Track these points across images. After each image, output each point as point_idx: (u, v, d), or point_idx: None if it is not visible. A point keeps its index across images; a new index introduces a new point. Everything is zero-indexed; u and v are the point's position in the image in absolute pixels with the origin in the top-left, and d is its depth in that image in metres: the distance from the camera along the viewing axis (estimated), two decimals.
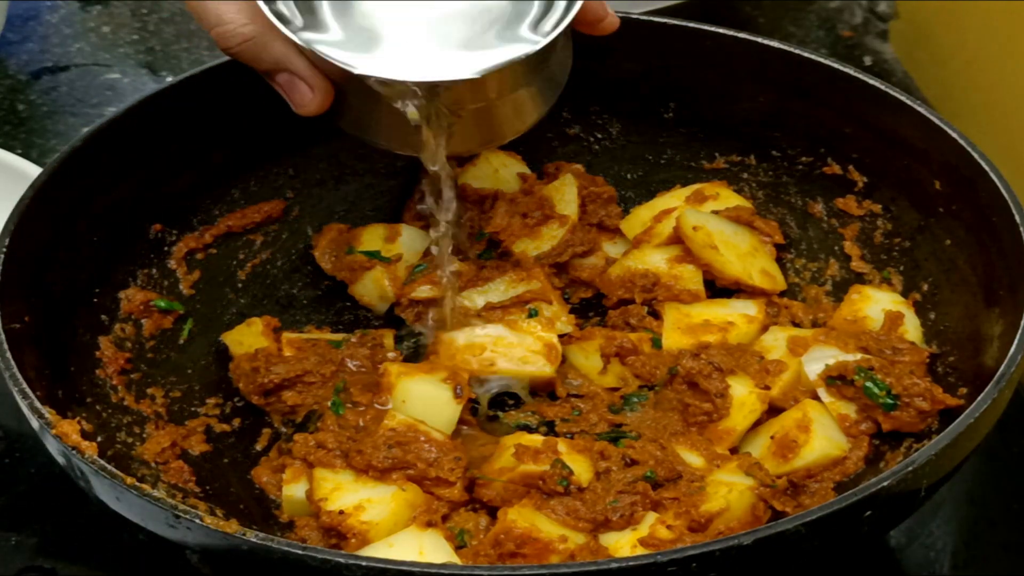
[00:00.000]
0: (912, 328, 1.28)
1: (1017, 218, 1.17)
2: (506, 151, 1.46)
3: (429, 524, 1.12)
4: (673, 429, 1.24)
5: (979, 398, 1.05)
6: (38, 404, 1.07)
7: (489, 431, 1.28)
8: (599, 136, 1.50)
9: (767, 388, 1.24)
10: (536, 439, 1.19)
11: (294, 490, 1.20)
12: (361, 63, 1.12)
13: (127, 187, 1.31)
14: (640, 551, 1.08)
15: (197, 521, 0.97)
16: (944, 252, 1.29)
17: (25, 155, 1.60)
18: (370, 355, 1.32)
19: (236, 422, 1.30)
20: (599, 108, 1.48)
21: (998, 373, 1.06)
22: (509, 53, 1.13)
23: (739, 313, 1.34)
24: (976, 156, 1.23)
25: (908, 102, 1.31)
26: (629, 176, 1.50)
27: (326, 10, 1.16)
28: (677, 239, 1.38)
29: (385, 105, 1.15)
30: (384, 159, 1.44)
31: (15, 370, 1.08)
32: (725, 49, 1.40)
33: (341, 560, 0.94)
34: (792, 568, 1.01)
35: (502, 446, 1.21)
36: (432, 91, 1.13)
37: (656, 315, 1.36)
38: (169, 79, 1.50)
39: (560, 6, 1.16)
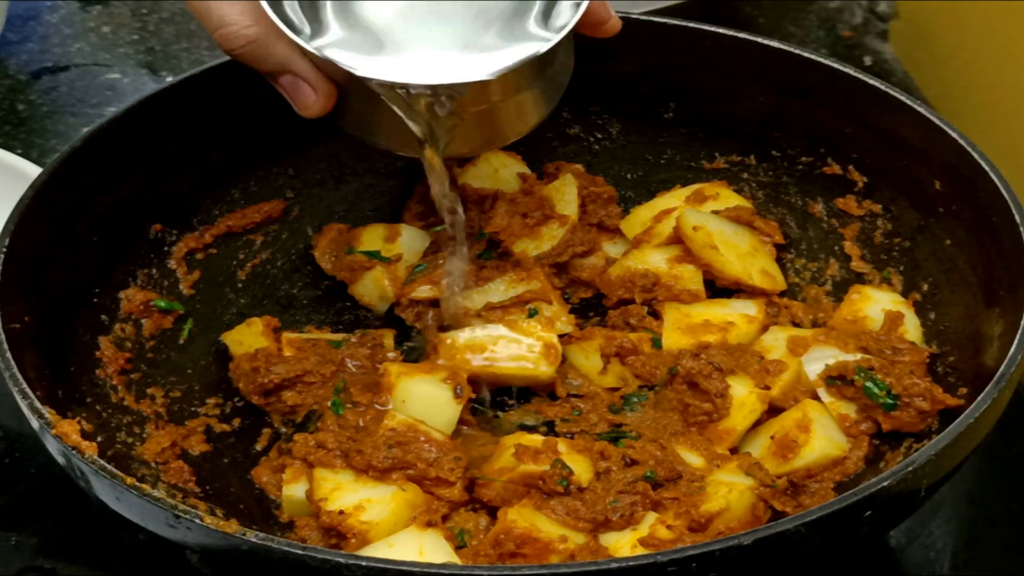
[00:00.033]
0: (912, 328, 1.28)
1: (1017, 218, 1.17)
2: (506, 151, 1.46)
3: (429, 524, 1.12)
4: (673, 429, 1.24)
5: (979, 398, 1.05)
6: (38, 404, 1.07)
7: (489, 431, 1.28)
8: (599, 136, 1.50)
9: (767, 388, 1.24)
10: (536, 439, 1.19)
11: (294, 490, 1.20)
12: (365, 66, 1.11)
13: (127, 187, 1.31)
14: (640, 551, 1.08)
15: (197, 521, 0.97)
16: (944, 252, 1.29)
17: (25, 155, 1.60)
18: (370, 355, 1.32)
19: (236, 422, 1.30)
20: (599, 108, 1.48)
21: (998, 373, 1.06)
22: (514, 56, 1.13)
23: (739, 313, 1.34)
24: (976, 156, 1.23)
25: (908, 102, 1.31)
26: (629, 176, 1.50)
27: (328, 12, 1.16)
28: (677, 239, 1.38)
29: (386, 106, 1.14)
30: (384, 159, 1.44)
31: (15, 370, 1.08)
32: (725, 49, 1.40)
33: (341, 560, 0.94)
34: (792, 568, 1.01)
35: (502, 446, 1.21)
36: (436, 94, 1.13)
37: (656, 315, 1.36)
38: (169, 79, 1.50)
39: (564, 8, 1.16)
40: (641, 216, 1.43)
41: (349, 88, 1.16)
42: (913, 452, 1.13)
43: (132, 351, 1.28)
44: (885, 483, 0.98)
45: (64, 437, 1.05)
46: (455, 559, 1.10)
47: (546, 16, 1.16)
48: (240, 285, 1.40)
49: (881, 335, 1.27)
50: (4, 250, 1.17)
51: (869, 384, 1.21)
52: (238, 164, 1.40)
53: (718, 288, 1.38)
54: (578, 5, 1.15)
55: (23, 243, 1.18)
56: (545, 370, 1.30)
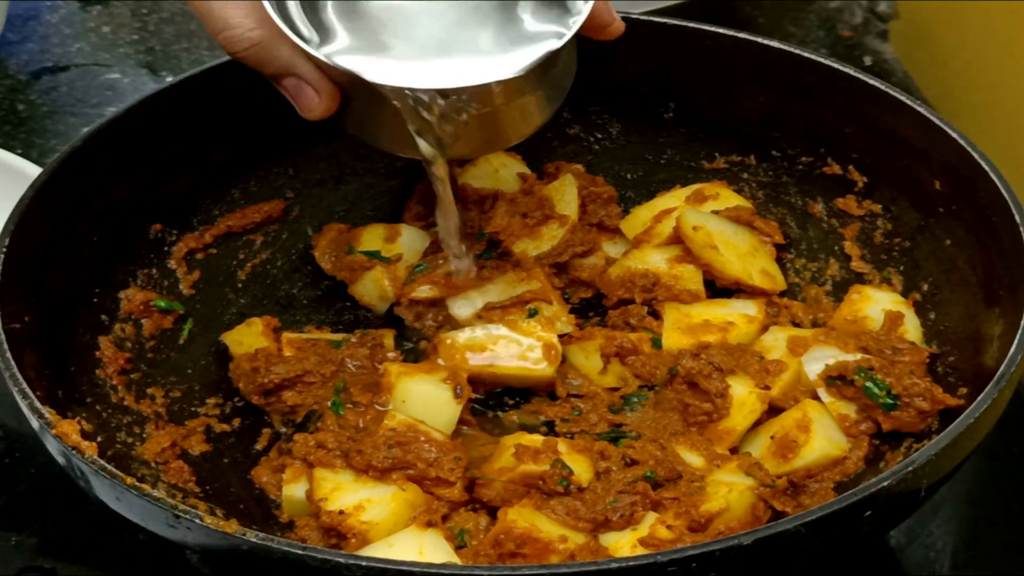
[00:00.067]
0: (912, 328, 1.28)
1: (1017, 218, 1.17)
2: (506, 151, 1.46)
3: (429, 524, 1.12)
4: (673, 429, 1.24)
5: (979, 398, 1.05)
6: (38, 404, 1.07)
7: (489, 431, 1.28)
8: (599, 136, 1.50)
9: (767, 388, 1.24)
10: (536, 439, 1.19)
11: (294, 490, 1.20)
12: (371, 70, 1.11)
13: (127, 187, 1.31)
14: (640, 551, 1.08)
15: (197, 521, 0.97)
16: (944, 252, 1.29)
17: (25, 155, 1.60)
18: (370, 355, 1.32)
19: (236, 422, 1.30)
20: (599, 108, 1.48)
21: (998, 373, 1.06)
22: (518, 60, 1.12)
23: (739, 313, 1.34)
24: (976, 156, 1.23)
25: (908, 102, 1.31)
26: (629, 176, 1.50)
27: (331, 15, 1.15)
28: (677, 239, 1.38)
29: (389, 108, 1.14)
30: (384, 159, 1.44)
31: (15, 370, 1.08)
32: (725, 49, 1.40)
33: (341, 560, 0.94)
34: (792, 568, 1.01)
35: (502, 446, 1.21)
36: (442, 98, 1.13)
37: (656, 315, 1.36)
38: (169, 79, 1.50)
39: (568, 13, 1.16)
40: (641, 216, 1.43)
41: (351, 90, 1.16)
42: (913, 452, 1.13)
43: (132, 351, 1.28)
44: (885, 483, 0.98)
45: (64, 437, 1.05)
46: (455, 559, 1.10)
47: (549, 18, 1.16)
48: (240, 285, 1.40)
49: (881, 335, 1.27)
50: (4, 250, 1.17)
51: (869, 384, 1.21)
52: (238, 164, 1.40)
53: (718, 288, 1.38)
54: (582, 9, 1.15)
55: (23, 243, 1.18)
56: (545, 370, 1.30)
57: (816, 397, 1.25)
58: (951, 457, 1.03)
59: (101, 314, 1.28)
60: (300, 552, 0.94)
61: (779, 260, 1.41)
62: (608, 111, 1.48)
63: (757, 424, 1.24)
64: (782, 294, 1.39)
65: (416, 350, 1.37)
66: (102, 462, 1.04)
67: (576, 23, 1.15)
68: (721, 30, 1.40)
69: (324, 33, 1.14)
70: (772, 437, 1.21)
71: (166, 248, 1.35)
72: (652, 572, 0.93)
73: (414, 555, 1.08)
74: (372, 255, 1.39)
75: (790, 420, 1.22)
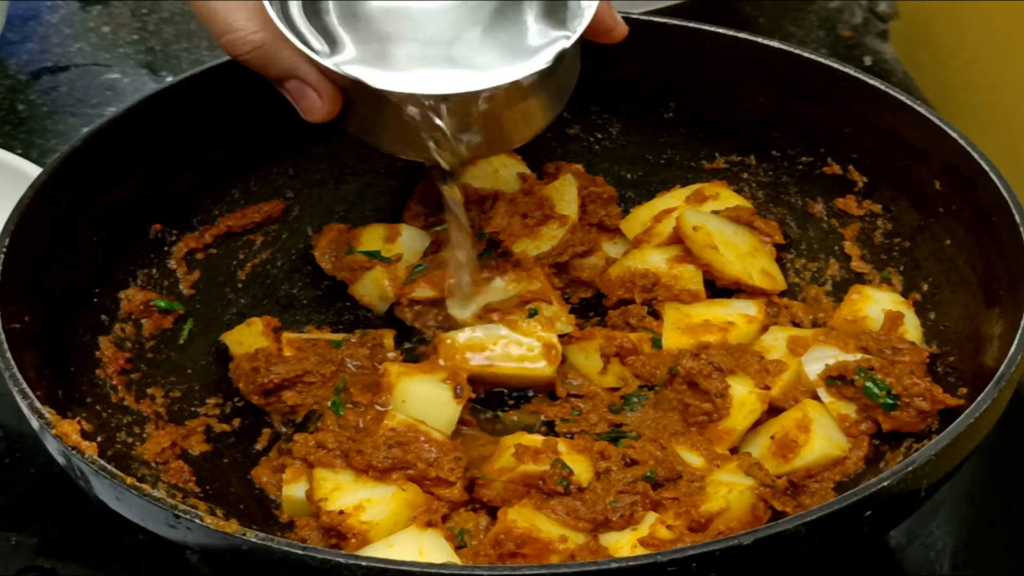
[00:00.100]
0: (912, 328, 1.28)
1: (1017, 218, 1.17)
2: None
3: (429, 524, 1.12)
4: (673, 429, 1.24)
5: (979, 398, 1.05)
6: (38, 404, 1.07)
7: (489, 431, 1.28)
8: (599, 136, 1.50)
9: (767, 388, 1.24)
10: (536, 439, 1.19)
11: (294, 490, 1.20)
12: (374, 76, 1.11)
13: (127, 187, 1.31)
14: (640, 551, 1.08)
15: (197, 521, 0.97)
16: (944, 252, 1.29)
17: (25, 155, 1.60)
18: (370, 355, 1.32)
19: (236, 422, 1.30)
20: (599, 108, 1.48)
21: (998, 373, 1.06)
22: (523, 66, 1.12)
23: (739, 313, 1.34)
24: (976, 156, 1.23)
25: (908, 102, 1.31)
26: (629, 176, 1.50)
27: (334, 18, 1.15)
28: (677, 239, 1.38)
29: (390, 110, 1.14)
30: (384, 159, 1.44)
31: (15, 370, 1.08)
32: (725, 49, 1.40)
33: (341, 560, 0.94)
34: (792, 568, 1.01)
35: (502, 446, 1.21)
36: (445, 103, 1.12)
37: (656, 315, 1.36)
38: (169, 79, 1.50)
39: (572, 15, 1.16)
40: (641, 216, 1.43)
41: (353, 92, 1.16)
42: (913, 452, 1.13)
43: (132, 351, 1.28)
44: (885, 483, 0.98)
45: (64, 437, 1.05)
46: (455, 559, 1.10)
47: (553, 21, 1.16)
48: (240, 285, 1.40)
49: (881, 335, 1.27)
50: (4, 250, 1.17)
51: (869, 384, 1.21)
52: (238, 164, 1.40)
53: (718, 288, 1.38)
54: (586, 11, 1.15)
55: (23, 243, 1.18)
56: (545, 370, 1.30)
57: (816, 397, 1.25)
58: (951, 457, 1.03)
59: (101, 314, 1.28)
60: (300, 552, 0.94)
61: (779, 260, 1.41)
62: (608, 111, 1.48)
63: (757, 424, 1.24)
64: (782, 294, 1.39)
65: (415, 351, 1.37)
66: (102, 462, 1.04)
67: (579, 28, 1.14)
68: (721, 30, 1.40)
69: (328, 37, 1.14)
70: (772, 437, 1.21)
71: (166, 248, 1.35)
72: (652, 572, 0.93)
73: (414, 555, 1.08)
74: (372, 255, 1.39)
75: (790, 420, 1.22)
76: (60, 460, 1.08)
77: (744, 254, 1.37)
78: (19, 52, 1.90)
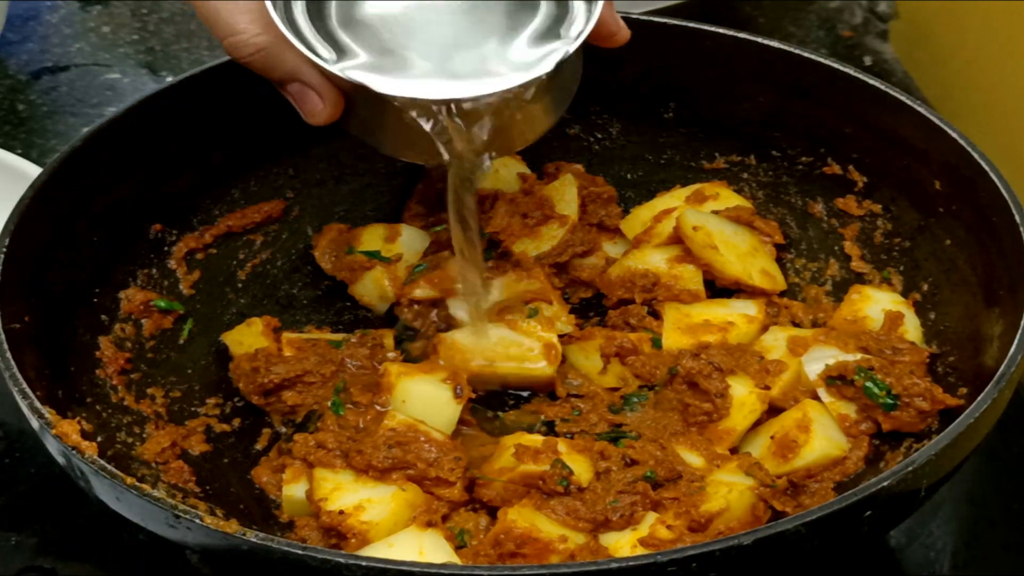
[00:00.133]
0: (912, 328, 1.28)
1: (1017, 218, 1.17)
2: None
3: (429, 524, 1.12)
4: (673, 429, 1.24)
5: (979, 398, 1.05)
6: (38, 404, 1.07)
7: (489, 431, 1.28)
8: (599, 136, 1.50)
9: (767, 388, 1.24)
10: (536, 439, 1.19)
11: (294, 490, 1.20)
12: (379, 81, 1.11)
13: (127, 187, 1.31)
14: (640, 551, 1.08)
15: (197, 521, 0.97)
16: (944, 252, 1.29)
17: (25, 155, 1.60)
18: (370, 355, 1.32)
19: (236, 422, 1.30)
20: (599, 108, 1.48)
21: (998, 373, 1.06)
22: (527, 71, 1.12)
23: (739, 313, 1.34)
24: (976, 156, 1.23)
25: (908, 102, 1.31)
26: (629, 176, 1.50)
27: (338, 23, 1.15)
28: (677, 239, 1.38)
29: (393, 113, 1.14)
30: (384, 159, 1.44)
31: (15, 370, 1.08)
32: (725, 49, 1.40)
33: (341, 560, 0.94)
34: (792, 568, 1.01)
35: (502, 446, 1.21)
36: (449, 108, 1.12)
37: (656, 315, 1.36)
38: (169, 79, 1.50)
39: (576, 17, 1.16)
40: (641, 216, 1.43)
41: (356, 95, 1.16)
42: (913, 452, 1.13)
43: (132, 351, 1.28)
44: (885, 483, 0.98)
45: (64, 437, 1.05)
46: (455, 559, 1.10)
47: (557, 26, 1.16)
48: (240, 285, 1.40)
49: (881, 335, 1.27)
50: (4, 250, 1.17)
51: (869, 384, 1.21)
52: (238, 164, 1.40)
53: (718, 288, 1.38)
54: (590, 14, 1.15)
55: (23, 243, 1.18)
56: (545, 370, 1.30)
57: (816, 397, 1.25)
58: (951, 457, 1.03)
59: (101, 314, 1.28)
60: (300, 552, 0.94)
61: (779, 260, 1.41)
62: (608, 111, 1.48)
63: (757, 424, 1.24)
64: (782, 294, 1.39)
65: (414, 350, 1.37)
66: (102, 462, 1.04)
67: (583, 33, 1.14)
68: (721, 30, 1.40)
69: (331, 40, 1.14)
70: (772, 437, 1.21)
71: (166, 248, 1.35)
72: (652, 572, 0.93)
73: (414, 555, 1.08)
74: (372, 255, 1.39)
75: (790, 420, 1.22)
76: (60, 460, 1.08)
77: (744, 254, 1.37)
78: (19, 52, 1.90)
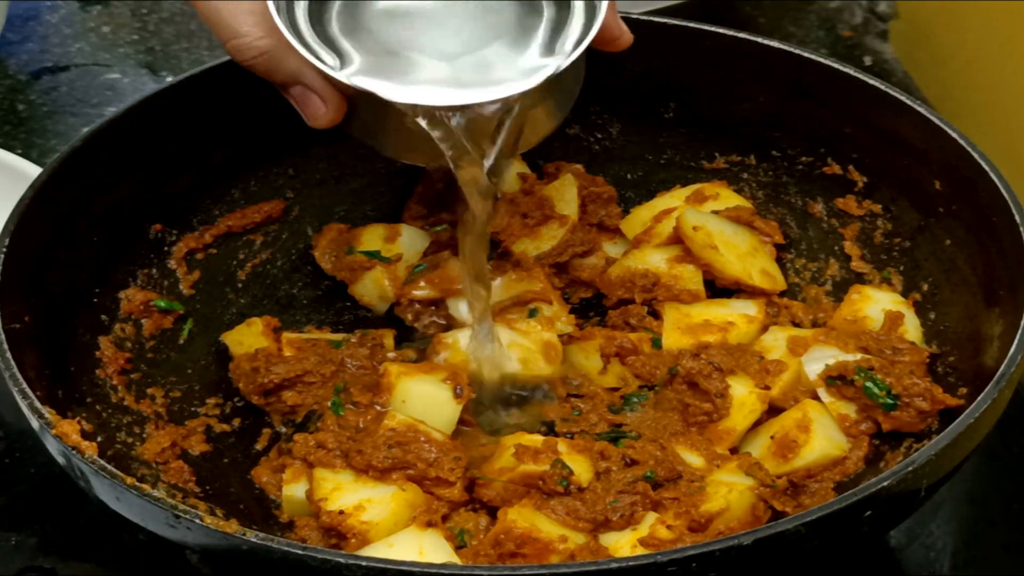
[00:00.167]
0: (912, 328, 1.28)
1: (1017, 218, 1.17)
2: None
3: (429, 524, 1.12)
4: (673, 429, 1.24)
5: (979, 398, 1.05)
6: (38, 404, 1.07)
7: (489, 431, 1.28)
8: (599, 136, 1.50)
9: (767, 388, 1.24)
10: (536, 439, 1.19)
11: (294, 490, 1.20)
12: (382, 86, 1.11)
13: (127, 187, 1.31)
14: (640, 551, 1.08)
15: (197, 521, 0.97)
16: (944, 252, 1.29)
17: (25, 155, 1.60)
18: (370, 355, 1.32)
19: (236, 422, 1.30)
20: (599, 108, 1.48)
21: (998, 373, 1.06)
22: (530, 76, 1.11)
23: (739, 313, 1.34)
24: (976, 156, 1.23)
25: (908, 102, 1.31)
26: (629, 176, 1.50)
27: (341, 25, 1.15)
28: (677, 239, 1.38)
29: (395, 117, 1.14)
30: (384, 159, 1.43)
31: (15, 370, 1.08)
32: (725, 49, 1.40)
33: (341, 560, 0.94)
34: (792, 568, 1.01)
35: (502, 446, 1.21)
36: (453, 113, 1.12)
37: (656, 315, 1.36)
38: (169, 79, 1.50)
39: (578, 23, 1.15)
40: (641, 216, 1.43)
41: (358, 98, 1.16)
42: (913, 452, 1.13)
43: (132, 351, 1.28)
44: (885, 483, 0.98)
45: (64, 437, 1.05)
46: (455, 559, 1.10)
47: (560, 29, 1.15)
48: (240, 285, 1.40)
49: (881, 335, 1.27)
50: (4, 250, 1.17)
51: (869, 384, 1.21)
52: (238, 164, 1.40)
53: (718, 288, 1.38)
54: (593, 19, 1.14)
55: (23, 243, 1.18)
56: (545, 370, 1.30)
57: (816, 397, 1.25)
58: (951, 457, 1.03)
59: (101, 314, 1.28)
60: (300, 552, 0.94)
61: (779, 260, 1.41)
62: (608, 111, 1.48)
63: (757, 424, 1.24)
64: (782, 294, 1.39)
65: (414, 350, 1.37)
66: (102, 462, 1.04)
67: (586, 38, 1.13)
68: (721, 30, 1.40)
69: (334, 44, 1.13)
70: (772, 437, 1.21)
71: (166, 248, 1.35)
72: (652, 572, 0.93)
73: (414, 555, 1.08)
74: (372, 255, 1.39)
75: (790, 420, 1.22)
76: (60, 460, 1.08)
77: (744, 254, 1.37)
78: (19, 52, 1.90)
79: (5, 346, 1.10)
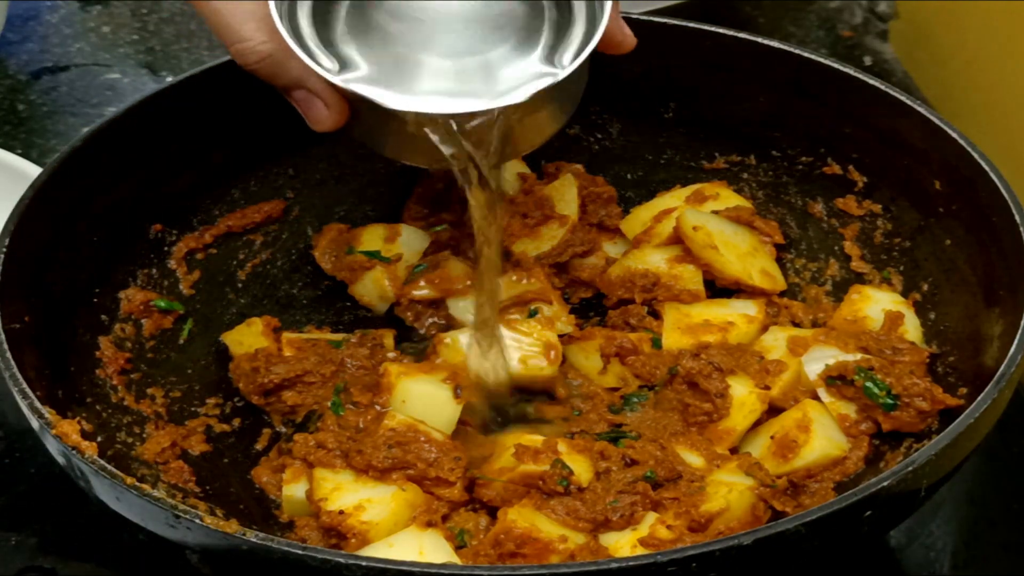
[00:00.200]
0: (912, 328, 1.28)
1: (1017, 218, 1.17)
2: None
3: (429, 524, 1.12)
4: (673, 429, 1.24)
5: (979, 398, 1.05)
6: (38, 404, 1.07)
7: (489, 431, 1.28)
8: (599, 136, 1.50)
9: (767, 388, 1.24)
10: (536, 439, 1.19)
11: (294, 490, 1.20)
12: (384, 94, 1.10)
13: (127, 187, 1.31)
14: (640, 551, 1.08)
15: (197, 521, 0.97)
16: (944, 252, 1.29)
17: (25, 155, 1.60)
18: (370, 355, 1.32)
19: (236, 422, 1.30)
20: (599, 108, 1.48)
21: (998, 373, 1.06)
22: (535, 83, 1.11)
23: (739, 313, 1.34)
24: (976, 156, 1.23)
25: (908, 102, 1.31)
26: (629, 176, 1.50)
27: (345, 29, 1.14)
28: (677, 239, 1.38)
29: (396, 120, 1.14)
30: (384, 159, 1.43)
31: (15, 370, 1.08)
32: (725, 49, 1.40)
33: (341, 560, 0.94)
34: (792, 568, 1.01)
35: (502, 446, 1.21)
36: (456, 121, 1.12)
37: (656, 315, 1.36)
38: (169, 79, 1.50)
39: (581, 28, 1.15)
40: (641, 216, 1.43)
41: (361, 103, 1.16)
42: (913, 452, 1.13)
43: (132, 351, 1.28)
44: (885, 483, 0.98)
45: (64, 437, 1.05)
46: (455, 559, 1.10)
47: (564, 36, 1.15)
48: (240, 285, 1.40)
49: (881, 335, 1.27)
50: (4, 250, 1.17)
51: (869, 384, 1.21)
52: (238, 164, 1.40)
53: (718, 288, 1.38)
54: (596, 26, 1.14)
55: (23, 243, 1.18)
56: (545, 370, 1.30)
57: (816, 397, 1.25)
58: (951, 457, 1.03)
59: (101, 314, 1.28)
60: (300, 552, 0.94)
61: (779, 260, 1.41)
62: (608, 111, 1.48)
63: (757, 424, 1.24)
64: (782, 294, 1.39)
65: (416, 350, 1.37)
66: (102, 462, 1.04)
67: (590, 44, 1.13)
68: (721, 30, 1.40)
69: (337, 49, 1.13)
70: (772, 437, 1.21)
71: (166, 248, 1.35)
72: (652, 572, 0.93)
73: (414, 555, 1.08)
74: (372, 255, 1.39)
75: (790, 420, 1.22)
76: (60, 460, 1.08)
77: (744, 254, 1.37)
78: (19, 52, 1.90)
79: (5, 346, 1.10)
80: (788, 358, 1.27)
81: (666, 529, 1.10)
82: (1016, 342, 1.08)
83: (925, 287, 1.31)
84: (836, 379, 1.24)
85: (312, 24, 1.13)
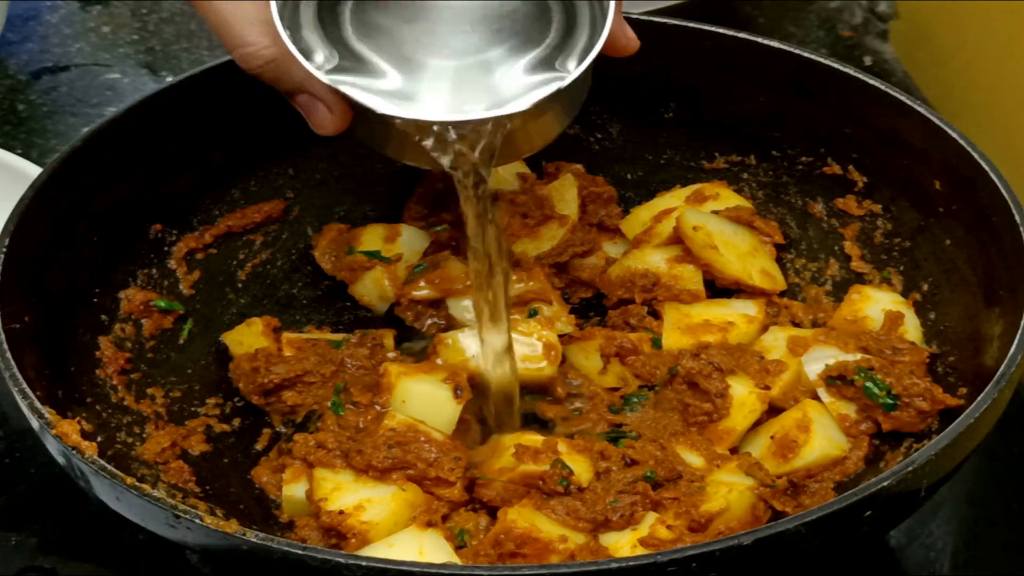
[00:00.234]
0: (912, 328, 1.28)
1: (1017, 218, 1.17)
2: None
3: (429, 524, 1.12)
4: (673, 429, 1.24)
5: (979, 398, 1.05)
6: (38, 404, 1.07)
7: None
8: (599, 136, 1.50)
9: (767, 388, 1.24)
10: (536, 439, 1.19)
11: (294, 490, 1.20)
12: (379, 102, 1.10)
13: (127, 187, 1.31)
14: (640, 551, 1.08)
15: (197, 521, 0.97)
16: (944, 252, 1.29)
17: (25, 155, 1.60)
18: (370, 355, 1.32)
19: (236, 422, 1.30)
20: (599, 108, 1.48)
21: (998, 373, 1.06)
22: (539, 91, 1.11)
23: (739, 313, 1.34)
24: (976, 156, 1.23)
25: (908, 102, 1.31)
26: (629, 176, 1.50)
27: (349, 31, 1.14)
28: (677, 239, 1.38)
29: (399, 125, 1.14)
30: (384, 159, 1.43)
31: (15, 370, 1.08)
32: (725, 49, 1.40)
33: (341, 560, 0.94)
34: (792, 568, 1.01)
35: (502, 446, 1.21)
36: (461, 129, 1.11)
37: (656, 315, 1.36)
38: (169, 79, 1.50)
39: (585, 32, 1.15)
40: (641, 216, 1.43)
41: (364, 107, 1.15)
42: (913, 452, 1.13)
43: (132, 351, 1.28)
44: (885, 483, 0.98)
45: (64, 437, 1.05)
46: (455, 559, 1.10)
47: (566, 38, 1.15)
48: (240, 285, 1.40)
49: (881, 335, 1.27)
50: (4, 250, 1.17)
51: (869, 384, 1.21)
52: (238, 164, 1.40)
53: (718, 288, 1.38)
54: (599, 29, 1.14)
55: (23, 243, 1.18)
56: (545, 370, 1.30)
57: (816, 397, 1.25)
58: (951, 457, 1.03)
59: (101, 314, 1.28)
60: (300, 552, 0.94)
61: (779, 260, 1.41)
62: (608, 111, 1.48)
63: (757, 424, 1.24)
64: (782, 294, 1.39)
65: (414, 350, 1.37)
66: (102, 462, 1.04)
67: (594, 48, 1.12)
68: (721, 30, 1.40)
69: (338, 52, 1.13)
70: (772, 437, 1.21)
71: (166, 248, 1.35)
72: (652, 572, 0.93)
73: (414, 555, 1.08)
74: (372, 255, 1.39)
75: (790, 420, 1.22)
76: (60, 460, 1.08)
77: (744, 254, 1.37)
78: (19, 52, 1.90)
79: (5, 346, 1.10)
80: (788, 358, 1.27)
81: (666, 529, 1.10)
82: (1016, 342, 1.08)
83: (925, 287, 1.31)
84: (836, 379, 1.24)
85: (319, 23, 1.13)
